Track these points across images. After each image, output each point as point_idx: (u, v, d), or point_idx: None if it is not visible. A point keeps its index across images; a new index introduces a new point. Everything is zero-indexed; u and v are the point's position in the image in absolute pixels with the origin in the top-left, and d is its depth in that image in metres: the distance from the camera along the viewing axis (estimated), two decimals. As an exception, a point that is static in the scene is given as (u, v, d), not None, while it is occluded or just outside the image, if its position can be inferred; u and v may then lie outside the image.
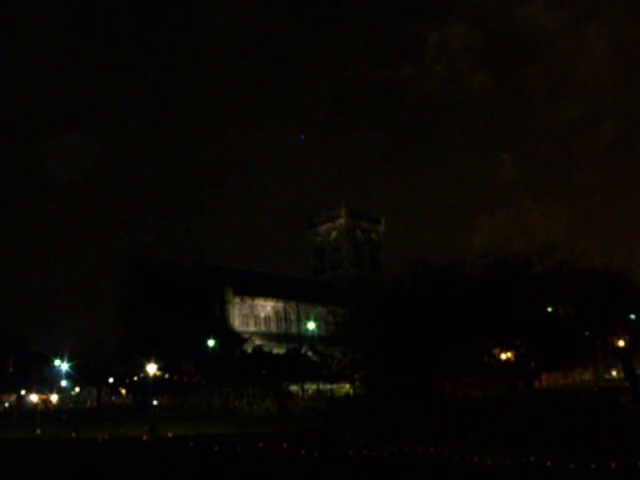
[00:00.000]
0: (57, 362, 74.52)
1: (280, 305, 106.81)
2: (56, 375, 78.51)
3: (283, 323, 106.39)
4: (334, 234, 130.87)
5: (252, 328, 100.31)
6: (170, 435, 33.37)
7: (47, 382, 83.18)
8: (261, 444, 26.36)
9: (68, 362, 73.94)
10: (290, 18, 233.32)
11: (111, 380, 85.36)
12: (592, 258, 42.38)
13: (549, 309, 42.20)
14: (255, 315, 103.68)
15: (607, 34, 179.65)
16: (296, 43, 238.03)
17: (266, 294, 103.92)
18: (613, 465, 17.60)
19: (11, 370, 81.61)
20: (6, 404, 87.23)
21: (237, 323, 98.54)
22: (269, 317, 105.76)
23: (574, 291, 41.89)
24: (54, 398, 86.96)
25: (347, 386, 76.88)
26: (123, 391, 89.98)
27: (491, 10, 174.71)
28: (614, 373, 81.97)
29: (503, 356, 43.57)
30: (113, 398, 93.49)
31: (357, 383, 68.25)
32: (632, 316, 44.36)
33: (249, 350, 75.40)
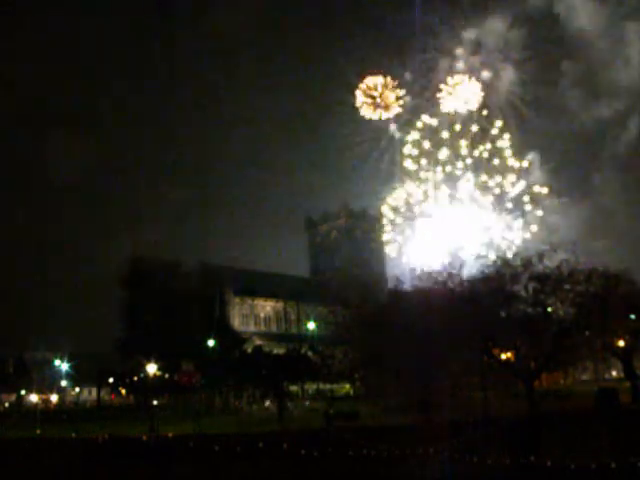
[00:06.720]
0: (57, 362, 74.64)
1: (280, 305, 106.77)
2: (56, 375, 78.65)
3: (283, 323, 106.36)
4: (334, 234, 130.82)
5: (252, 328, 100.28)
6: (170, 435, 33.39)
7: (47, 382, 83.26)
8: (261, 444, 26.35)
9: (68, 362, 74.06)
10: (313, 17, 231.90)
11: (111, 380, 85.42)
12: (592, 258, 42.31)
13: (549, 309, 42.09)
14: (255, 315, 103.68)
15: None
16: (314, 41, 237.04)
17: (266, 294, 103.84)
18: (613, 465, 17.58)
19: (11, 370, 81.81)
20: (6, 404, 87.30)
21: (237, 323, 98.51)
22: (269, 317, 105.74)
23: (574, 291, 41.78)
24: (54, 398, 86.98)
25: (347, 386, 76.83)
26: (123, 391, 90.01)
27: (530, 5, 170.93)
28: (614, 373, 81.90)
29: (503, 356, 43.49)
30: (113, 398, 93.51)
31: (357, 383, 68.21)
32: (632, 316, 44.26)
33: (249, 350, 75.37)
